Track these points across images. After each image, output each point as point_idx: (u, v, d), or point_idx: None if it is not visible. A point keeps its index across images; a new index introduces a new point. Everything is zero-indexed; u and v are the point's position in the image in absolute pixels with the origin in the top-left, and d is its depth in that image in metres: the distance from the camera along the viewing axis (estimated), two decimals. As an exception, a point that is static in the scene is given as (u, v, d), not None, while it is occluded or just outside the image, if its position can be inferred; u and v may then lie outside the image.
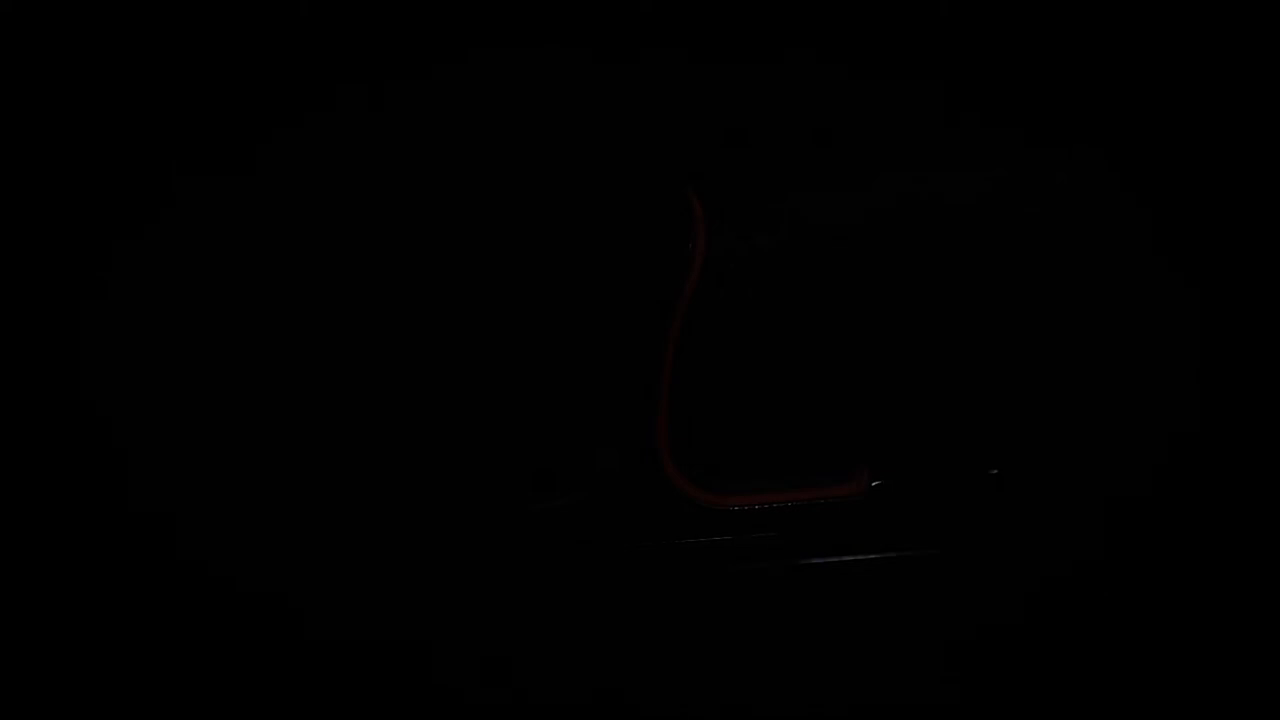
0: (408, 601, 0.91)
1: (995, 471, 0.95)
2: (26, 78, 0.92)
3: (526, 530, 0.92)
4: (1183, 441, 0.97)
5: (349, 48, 0.95)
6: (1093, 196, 0.91)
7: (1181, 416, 0.97)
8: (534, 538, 0.92)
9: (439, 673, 0.91)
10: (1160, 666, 0.93)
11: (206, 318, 0.94)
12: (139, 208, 0.93)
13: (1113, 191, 0.92)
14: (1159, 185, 0.95)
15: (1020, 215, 0.89)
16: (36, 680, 0.88)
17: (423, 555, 0.92)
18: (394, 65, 0.95)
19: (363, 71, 0.95)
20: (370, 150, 0.96)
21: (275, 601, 0.90)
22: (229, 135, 0.94)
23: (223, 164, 0.95)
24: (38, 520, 0.91)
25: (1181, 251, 0.97)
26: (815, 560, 0.94)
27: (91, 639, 0.90)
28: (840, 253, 0.87)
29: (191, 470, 0.92)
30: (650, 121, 0.97)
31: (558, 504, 0.91)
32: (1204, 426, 0.97)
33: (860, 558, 0.94)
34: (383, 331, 0.95)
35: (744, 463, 0.93)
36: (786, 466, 0.94)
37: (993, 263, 0.94)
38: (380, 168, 0.96)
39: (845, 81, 0.98)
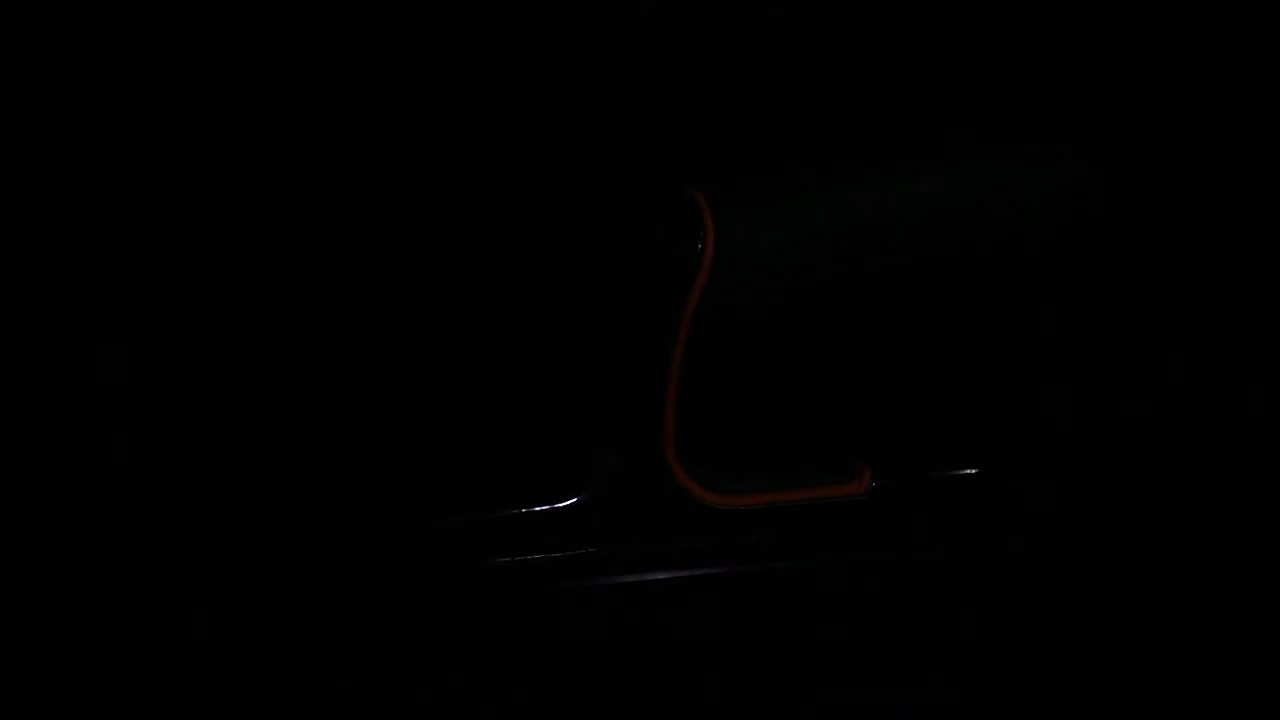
0: (405, 602, 0.91)
1: (976, 471, 0.95)
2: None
3: (526, 531, 0.92)
4: (1182, 443, 0.97)
5: (349, 47, 0.95)
6: (1097, 196, 0.91)
7: (1183, 418, 0.97)
8: (535, 538, 0.92)
9: (439, 672, 0.91)
10: (1163, 667, 0.93)
11: (181, 322, 0.94)
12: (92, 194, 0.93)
13: (1123, 192, 0.92)
14: (1166, 184, 0.95)
15: (1025, 214, 0.89)
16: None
17: (422, 555, 0.92)
18: (397, 65, 0.95)
19: (364, 71, 0.95)
20: (372, 150, 0.96)
21: (274, 603, 0.90)
22: (210, 140, 0.95)
23: (217, 165, 0.95)
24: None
25: (1180, 249, 0.97)
26: (817, 561, 0.93)
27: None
28: (844, 253, 0.87)
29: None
30: (656, 122, 0.97)
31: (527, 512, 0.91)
32: (1204, 428, 0.97)
33: (862, 558, 0.94)
34: (386, 334, 0.95)
35: (748, 463, 0.93)
36: (789, 467, 0.94)
37: (999, 261, 0.94)
38: (383, 168, 0.96)
39: (847, 82, 0.98)
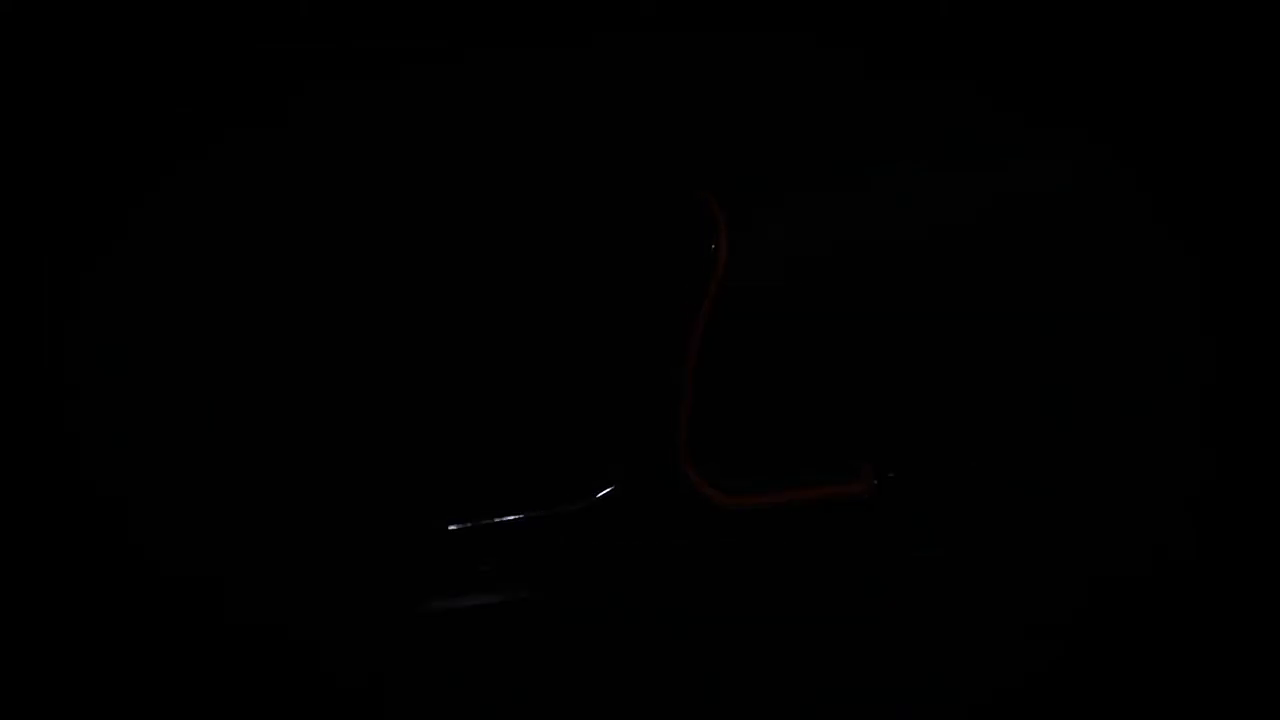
0: (406, 602, 0.91)
1: (975, 471, 0.95)
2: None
3: (533, 533, 0.92)
4: (1181, 443, 0.97)
5: (356, 48, 0.95)
6: (1101, 197, 0.91)
7: (1187, 419, 0.97)
8: (542, 541, 0.92)
9: (438, 673, 0.91)
10: (1162, 666, 0.93)
11: (199, 319, 0.94)
12: (115, 211, 0.93)
13: (1124, 192, 0.92)
14: (1165, 184, 0.95)
15: (1026, 213, 0.89)
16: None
17: (425, 556, 0.92)
18: (405, 67, 0.95)
19: (373, 72, 0.95)
20: (382, 153, 0.96)
21: (276, 603, 0.90)
22: (222, 135, 0.94)
23: (220, 163, 0.95)
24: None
25: (1180, 248, 0.97)
26: (817, 561, 0.94)
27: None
28: (845, 252, 0.87)
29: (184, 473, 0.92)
30: (667, 125, 0.97)
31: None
32: (1207, 429, 0.97)
33: (862, 558, 0.94)
34: (399, 336, 0.95)
35: (758, 463, 0.93)
36: (793, 466, 0.94)
37: (1003, 261, 0.94)
38: (396, 170, 0.96)
39: (851, 83, 0.98)
